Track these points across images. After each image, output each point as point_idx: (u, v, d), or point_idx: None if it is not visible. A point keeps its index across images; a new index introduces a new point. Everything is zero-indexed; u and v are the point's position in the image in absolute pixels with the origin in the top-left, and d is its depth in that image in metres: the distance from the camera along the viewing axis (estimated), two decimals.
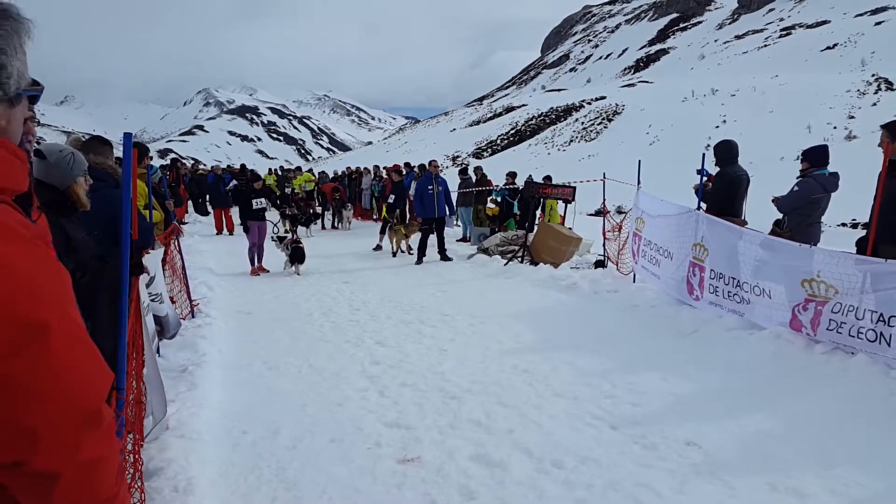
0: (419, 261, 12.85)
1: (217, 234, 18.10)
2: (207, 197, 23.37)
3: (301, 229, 17.66)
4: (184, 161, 33.41)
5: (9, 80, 1.24)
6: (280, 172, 28.26)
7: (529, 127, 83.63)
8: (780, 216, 7.15)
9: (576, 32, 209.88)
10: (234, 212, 18.48)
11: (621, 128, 71.46)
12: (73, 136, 6.76)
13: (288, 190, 22.96)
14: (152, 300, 5.34)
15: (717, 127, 59.29)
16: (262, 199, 11.62)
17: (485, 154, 76.36)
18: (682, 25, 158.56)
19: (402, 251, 14.47)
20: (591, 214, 25.67)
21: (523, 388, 5.39)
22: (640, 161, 10.55)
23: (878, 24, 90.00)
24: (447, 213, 13.68)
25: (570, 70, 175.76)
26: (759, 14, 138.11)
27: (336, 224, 21.26)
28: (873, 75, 64.37)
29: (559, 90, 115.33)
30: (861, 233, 6.85)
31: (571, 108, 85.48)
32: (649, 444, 4.24)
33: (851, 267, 5.45)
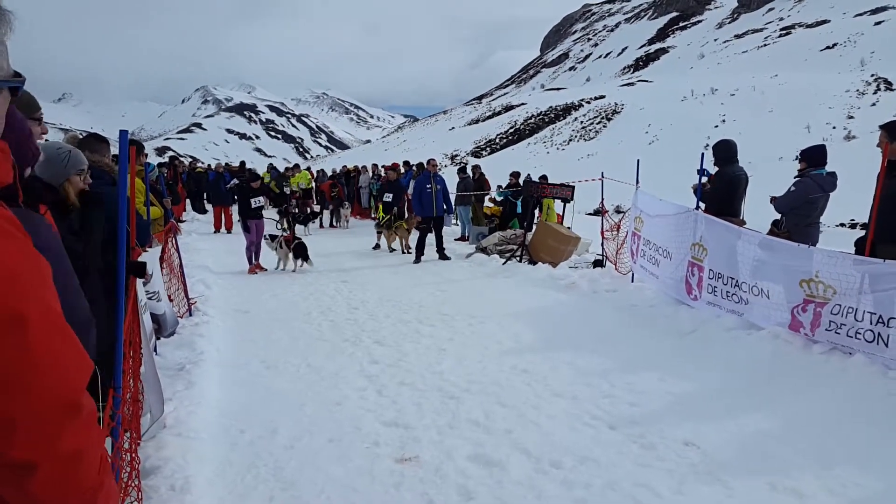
0: (417, 260, 12.84)
1: (215, 232, 18.07)
2: (206, 195, 23.36)
3: (299, 227, 17.67)
4: (182, 159, 33.39)
5: None
6: (270, 170, 28.17)
7: (528, 126, 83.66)
8: (779, 216, 7.14)
9: (575, 31, 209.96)
10: (234, 210, 18.52)
11: (620, 127, 71.51)
12: (71, 134, 6.74)
13: (286, 189, 22.95)
14: (150, 298, 5.33)
15: (717, 126, 59.34)
16: (261, 198, 11.61)
17: (484, 153, 76.38)
18: (681, 24, 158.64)
19: (402, 251, 14.47)
20: (589, 214, 25.68)
21: (522, 388, 5.39)
22: (638, 160, 10.55)
23: (877, 23, 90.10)
24: (445, 211, 13.66)
25: (570, 69, 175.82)
26: (758, 13, 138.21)
27: (334, 222, 21.27)
28: (872, 75, 64.44)
29: (558, 89, 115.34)
30: (860, 233, 6.85)
31: (570, 107, 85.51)
32: (648, 443, 4.24)
33: (850, 267, 5.44)
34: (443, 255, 13.05)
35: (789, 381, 5.30)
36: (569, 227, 13.32)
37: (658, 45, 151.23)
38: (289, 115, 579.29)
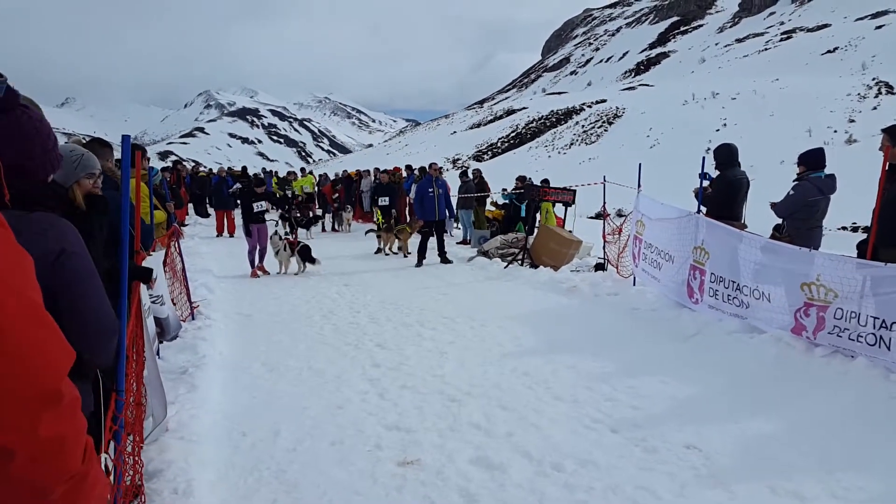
0: (419, 263, 12.85)
1: (217, 236, 18.10)
2: (208, 199, 23.41)
3: (301, 231, 17.70)
4: (184, 163, 33.42)
5: None
6: (263, 174, 28.20)
7: (530, 130, 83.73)
8: (781, 221, 7.14)
9: (576, 35, 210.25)
10: (237, 214, 18.54)
11: (622, 131, 71.54)
12: (74, 139, 6.76)
13: (288, 192, 22.98)
14: (153, 302, 5.35)
15: (718, 130, 59.31)
16: (263, 203, 11.64)
17: (485, 157, 76.45)
18: (682, 29, 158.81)
19: (403, 254, 14.50)
20: (591, 217, 25.70)
21: (523, 392, 5.39)
22: (640, 164, 10.55)
23: (878, 27, 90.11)
24: (447, 215, 13.68)
25: (571, 73, 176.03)
26: (759, 17, 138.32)
27: (336, 226, 21.29)
28: (874, 79, 64.39)
29: (560, 93, 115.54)
30: (862, 236, 6.85)
31: (572, 111, 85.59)
32: (649, 447, 4.24)
33: (852, 271, 5.45)
34: (444, 259, 13.06)
35: (791, 385, 5.30)
36: (570, 231, 13.33)
37: (659, 50, 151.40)
38: (291, 120, 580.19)
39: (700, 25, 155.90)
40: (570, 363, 6.11)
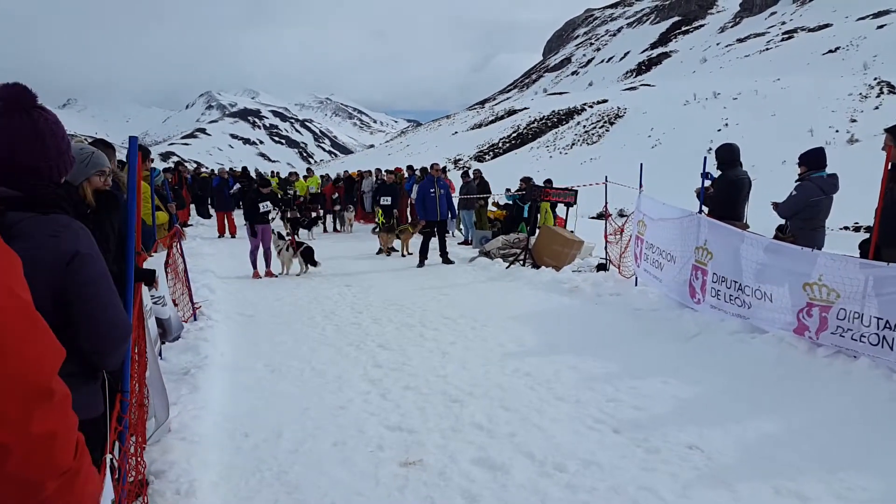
0: (421, 264, 12.85)
1: (219, 236, 18.11)
2: (209, 200, 23.44)
3: (303, 232, 17.71)
4: (186, 164, 33.47)
5: None
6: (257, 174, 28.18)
7: (531, 130, 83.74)
8: (783, 221, 7.14)
9: (578, 36, 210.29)
10: (237, 214, 18.55)
11: (623, 131, 71.55)
12: (76, 140, 6.76)
13: (290, 193, 23.00)
14: (155, 303, 5.36)
15: (719, 130, 59.29)
16: (268, 203, 11.63)
17: (486, 157, 76.46)
18: (683, 29, 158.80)
19: (403, 253, 14.51)
20: (593, 218, 25.68)
21: (525, 392, 5.39)
22: (641, 164, 10.54)
23: (880, 27, 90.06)
24: (449, 216, 13.69)
25: (572, 73, 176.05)
26: (760, 17, 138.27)
27: (338, 227, 21.31)
28: (875, 79, 64.37)
29: (561, 93, 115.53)
30: (864, 236, 6.84)
31: (573, 111, 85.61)
32: (652, 447, 4.23)
33: (854, 271, 5.44)
34: (446, 260, 13.06)
35: (794, 385, 5.29)
36: (572, 231, 13.32)
37: (660, 50, 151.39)
38: (293, 121, 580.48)
39: (701, 25, 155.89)
40: (572, 363, 6.11)
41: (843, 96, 60.69)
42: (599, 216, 20.35)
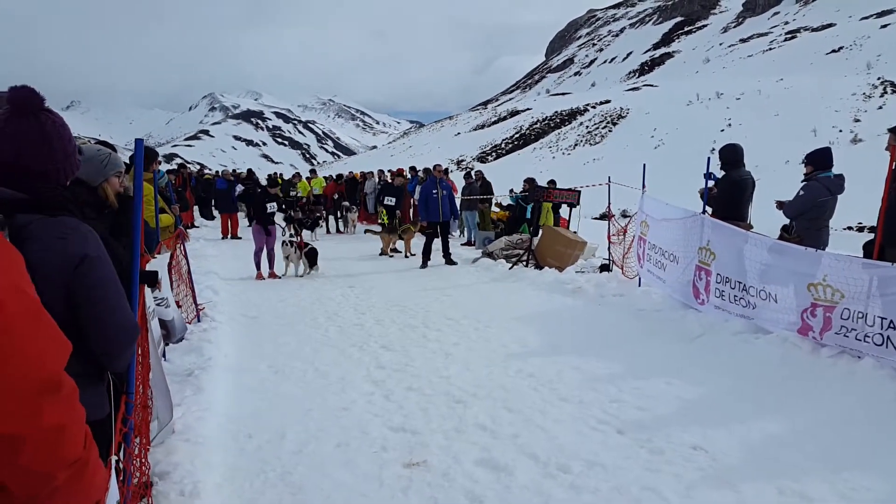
0: (424, 265, 12.85)
1: (223, 238, 18.14)
2: (213, 201, 23.48)
3: (306, 233, 17.73)
4: (189, 166, 33.55)
5: None
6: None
7: (534, 131, 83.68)
8: (788, 221, 7.13)
9: (580, 36, 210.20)
10: (240, 216, 18.59)
11: (626, 131, 71.43)
12: (80, 142, 6.78)
13: (293, 194, 23.02)
14: (158, 304, 5.37)
15: (723, 130, 59.17)
16: (274, 203, 11.66)
17: (489, 158, 76.43)
18: (686, 29, 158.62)
19: (406, 254, 14.51)
20: (595, 218, 25.65)
21: (529, 393, 5.38)
22: (644, 165, 10.53)
23: (883, 26, 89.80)
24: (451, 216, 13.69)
25: (575, 74, 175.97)
26: (763, 17, 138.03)
27: (341, 228, 21.33)
28: (879, 78, 64.16)
29: (564, 94, 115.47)
30: (868, 236, 6.83)
31: (576, 111, 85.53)
32: (655, 448, 4.23)
33: (858, 271, 5.43)
34: (449, 261, 13.06)
35: (798, 385, 5.28)
36: (575, 232, 13.32)
37: (663, 50, 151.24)
38: (295, 122, 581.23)
39: (704, 26, 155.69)
40: (575, 364, 6.10)
41: (846, 96, 60.51)
42: (602, 217, 20.33)
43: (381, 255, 14.93)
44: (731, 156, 7.80)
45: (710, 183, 8.04)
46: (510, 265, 12.00)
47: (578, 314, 8.46)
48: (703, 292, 7.59)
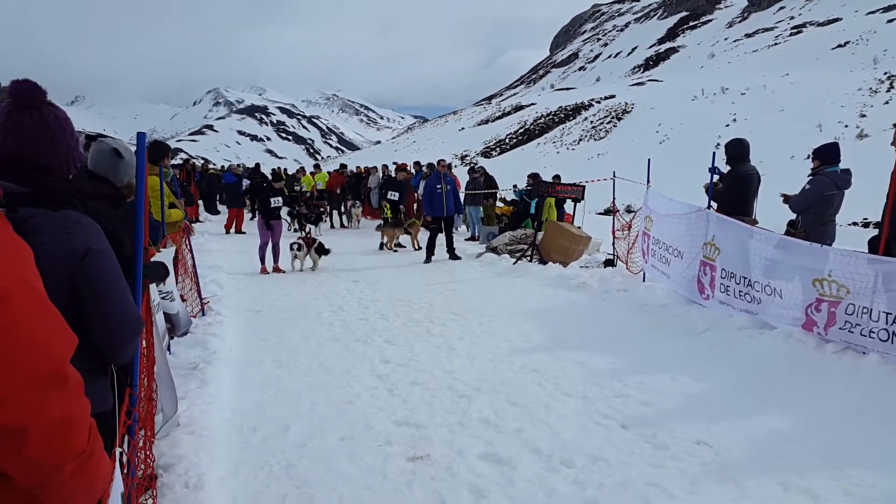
0: (428, 259, 12.85)
1: (226, 232, 18.14)
2: (219, 196, 23.56)
3: (310, 228, 17.74)
4: (194, 160, 33.60)
5: None
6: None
7: (538, 126, 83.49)
8: (794, 216, 7.10)
9: (585, 31, 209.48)
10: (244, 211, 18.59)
11: (631, 126, 71.21)
12: (83, 136, 6.78)
13: (297, 189, 23.06)
14: (163, 298, 5.38)
15: (728, 126, 58.97)
16: (279, 198, 11.66)
17: (493, 153, 76.32)
18: (691, 24, 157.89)
19: (414, 247, 14.52)
20: (600, 213, 25.63)
21: (532, 388, 5.39)
22: (649, 160, 10.52)
23: (890, 21, 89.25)
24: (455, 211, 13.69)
25: (580, 69, 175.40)
26: (769, 12, 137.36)
27: (345, 223, 21.34)
28: (885, 73, 63.85)
29: (568, 89, 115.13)
30: (873, 232, 6.80)
31: (580, 106, 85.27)
32: (660, 443, 4.22)
33: (864, 266, 5.41)
34: (453, 255, 13.05)
35: (802, 381, 5.27)
36: (579, 227, 13.30)
37: (668, 45, 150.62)
38: (299, 117, 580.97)
39: (709, 20, 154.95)
40: (579, 359, 6.10)
41: (852, 91, 60.23)
42: (607, 212, 20.31)
43: (380, 248, 14.92)
44: (737, 151, 7.77)
45: (716, 177, 8.01)
46: (514, 260, 12.00)
47: (582, 309, 8.45)
48: (708, 287, 7.58)
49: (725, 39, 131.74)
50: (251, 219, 13.00)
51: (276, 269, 11.67)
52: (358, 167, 26.97)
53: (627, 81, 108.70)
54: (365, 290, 9.94)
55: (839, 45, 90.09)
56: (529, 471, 3.89)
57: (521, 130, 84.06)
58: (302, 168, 29.99)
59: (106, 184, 2.81)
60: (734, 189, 7.80)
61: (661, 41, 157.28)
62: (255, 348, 6.72)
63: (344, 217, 21.66)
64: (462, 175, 18.70)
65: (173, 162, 24.98)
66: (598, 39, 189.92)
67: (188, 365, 5.75)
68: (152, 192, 6.11)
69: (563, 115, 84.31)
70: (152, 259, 4.08)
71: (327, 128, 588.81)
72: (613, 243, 11.49)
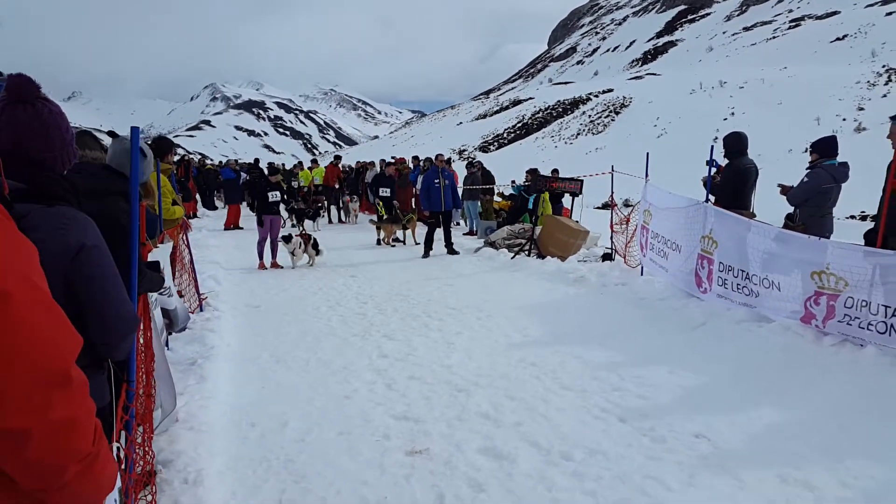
0: (426, 254, 12.85)
1: (225, 229, 18.11)
2: (216, 192, 23.52)
3: (308, 223, 17.73)
4: (191, 156, 33.53)
5: None
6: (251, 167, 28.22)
7: (536, 120, 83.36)
8: (791, 209, 7.10)
9: (583, 25, 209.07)
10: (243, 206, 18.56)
11: (629, 120, 71.10)
12: (78, 132, 6.75)
13: (294, 184, 23.02)
14: (161, 294, 5.37)
15: (726, 119, 58.88)
16: (277, 193, 11.64)
17: (491, 148, 76.23)
18: (689, 17, 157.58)
19: (414, 241, 14.53)
20: (598, 207, 25.62)
21: (531, 382, 5.39)
22: (647, 154, 10.50)
23: (888, 14, 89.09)
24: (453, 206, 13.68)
25: (578, 63, 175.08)
26: (767, 6, 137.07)
27: (343, 218, 21.32)
28: (884, 66, 63.73)
29: (566, 83, 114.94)
30: (870, 225, 6.81)
31: (578, 100, 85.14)
32: (658, 436, 4.23)
33: (861, 259, 5.42)
34: (451, 250, 13.05)
35: (800, 373, 5.27)
36: (578, 221, 13.30)
37: (666, 39, 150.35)
38: (297, 112, 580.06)
39: (707, 14, 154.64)
40: (577, 353, 6.10)
41: (850, 84, 60.14)
42: (605, 206, 20.31)
43: (377, 243, 14.92)
44: (736, 144, 7.77)
45: (713, 170, 8.01)
46: (512, 255, 12.00)
47: (581, 303, 8.46)
48: (706, 281, 7.59)
49: (724, 33, 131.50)
50: (252, 211, 12.92)
51: (274, 265, 11.66)
52: (358, 162, 26.92)
53: (625, 75, 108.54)
54: (363, 285, 9.94)
55: (837, 39, 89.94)
56: (528, 464, 3.90)
57: (518, 125, 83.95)
58: (300, 163, 29.93)
59: (123, 179, 2.84)
60: (732, 182, 7.80)
61: (659, 35, 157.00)
62: (253, 344, 6.71)
63: (342, 212, 21.64)
64: (461, 170, 18.67)
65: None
66: (597, 33, 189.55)
67: (186, 360, 5.75)
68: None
69: (561, 110, 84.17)
70: (149, 259, 4.07)
71: (325, 123, 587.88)
72: (611, 237, 11.49)
